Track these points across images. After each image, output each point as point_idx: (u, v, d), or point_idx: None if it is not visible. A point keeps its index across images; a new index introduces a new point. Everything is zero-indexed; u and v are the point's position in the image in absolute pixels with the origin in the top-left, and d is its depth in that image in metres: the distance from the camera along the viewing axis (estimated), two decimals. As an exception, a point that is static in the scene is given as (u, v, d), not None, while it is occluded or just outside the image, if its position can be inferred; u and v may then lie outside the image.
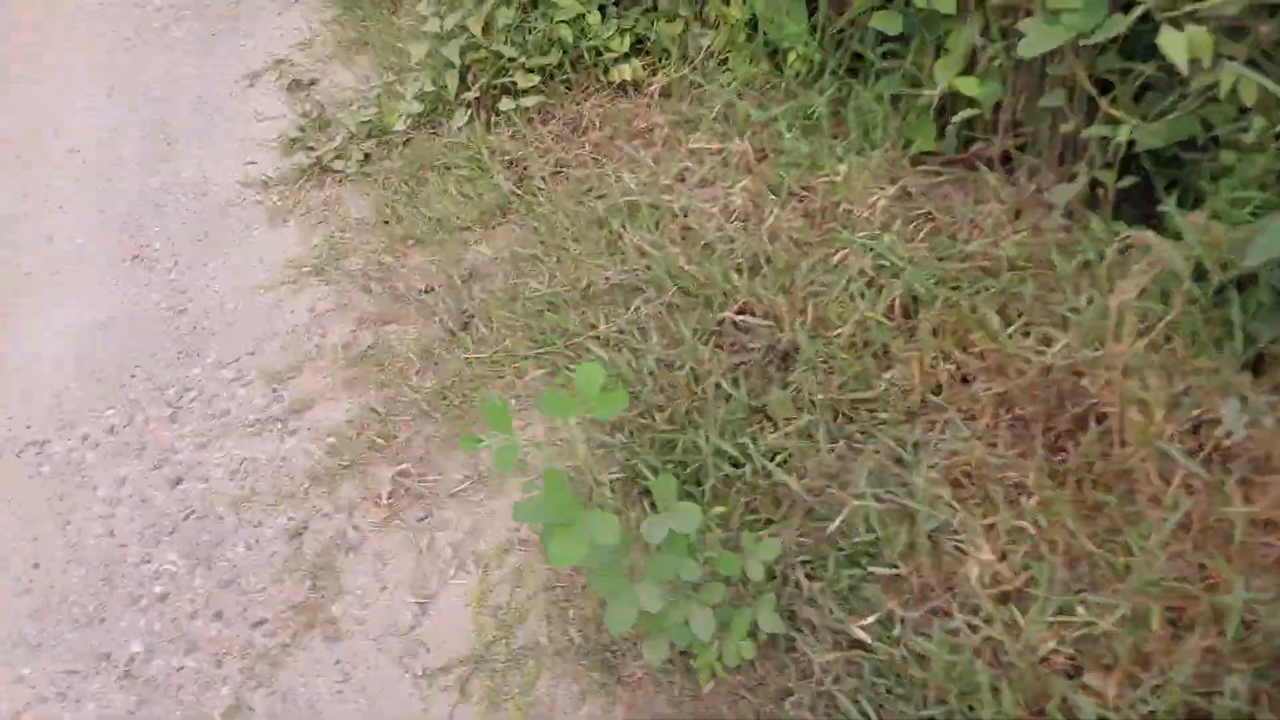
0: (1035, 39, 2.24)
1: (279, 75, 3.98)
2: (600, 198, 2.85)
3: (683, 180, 2.82)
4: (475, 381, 2.46)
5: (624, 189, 2.80)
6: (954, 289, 2.20)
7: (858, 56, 2.92)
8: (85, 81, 4.25)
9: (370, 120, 3.38)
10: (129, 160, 3.62)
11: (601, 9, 3.30)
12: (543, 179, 2.99)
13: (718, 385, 2.20)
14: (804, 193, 2.67)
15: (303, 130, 3.53)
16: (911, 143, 2.76)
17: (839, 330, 2.18)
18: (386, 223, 3.03)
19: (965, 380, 2.07)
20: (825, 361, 2.15)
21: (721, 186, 2.73)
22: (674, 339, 2.32)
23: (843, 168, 2.66)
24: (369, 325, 2.70)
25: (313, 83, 3.94)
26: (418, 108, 3.31)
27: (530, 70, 3.25)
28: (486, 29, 3.25)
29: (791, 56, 3.03)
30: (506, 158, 3.12)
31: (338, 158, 3.33)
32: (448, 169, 3.14)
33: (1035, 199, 2.42)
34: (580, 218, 2.76)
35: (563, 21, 3.23)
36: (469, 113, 3.26)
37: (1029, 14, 2.41)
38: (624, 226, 2.69)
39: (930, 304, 2.18)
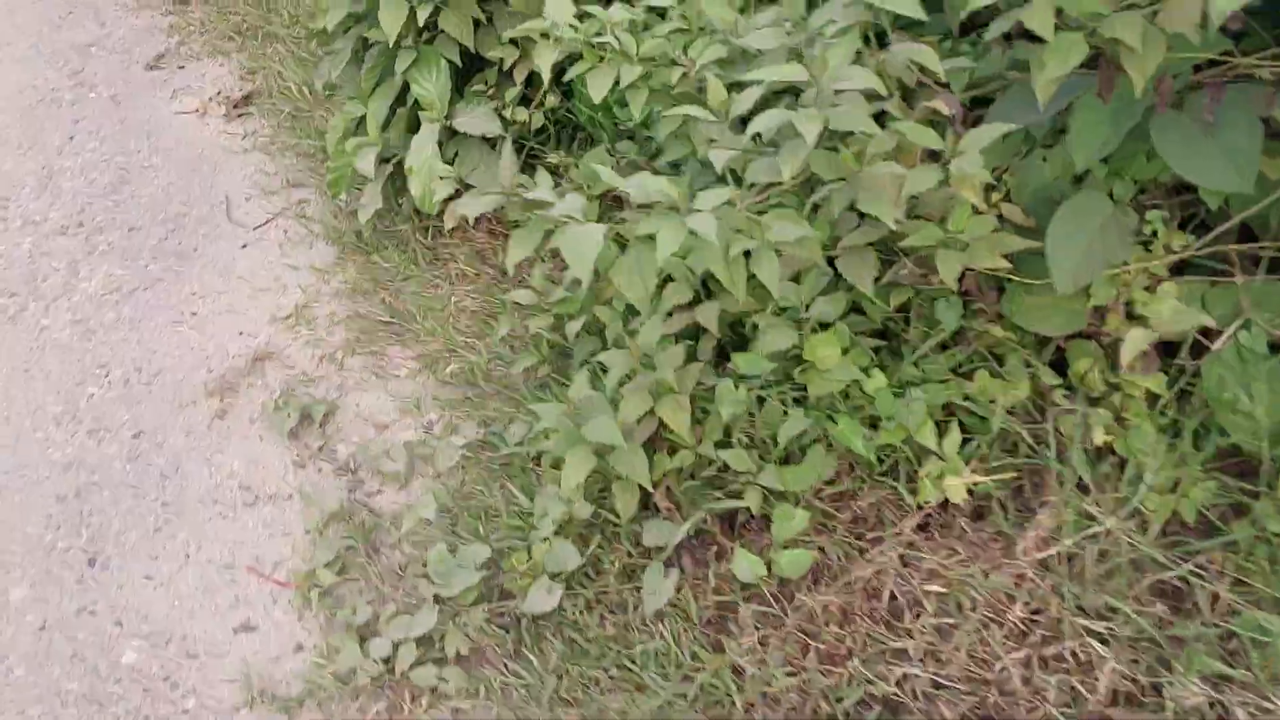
0: None
1: (276, 404, 2.42)
2: None
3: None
4: None
5: None
6: None
7: None
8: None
9: (477, 579, 1.84)
10: (29, 612, 2.04)
11: (886, 359, 1.85)
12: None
13: None
14: None
15: (338, 564, 1.99)
16: None
17: None
18: None
19: None
20: None
21: None
22: None
23: None
24: None
25: (329, 415, 2.40)
26: (570, 560, 1.79)
27: (779, 496, 1.77)
28: (695, 407, 1.77)
29: (1300, 489, 1.63)
30: (764, 690, 1.63)
31: (420, 661, 1.78)
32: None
33: None
34: None
35: (829, 403, 1.76)
36: (675, 578, 1.76)
37: None
38: None
39: None
